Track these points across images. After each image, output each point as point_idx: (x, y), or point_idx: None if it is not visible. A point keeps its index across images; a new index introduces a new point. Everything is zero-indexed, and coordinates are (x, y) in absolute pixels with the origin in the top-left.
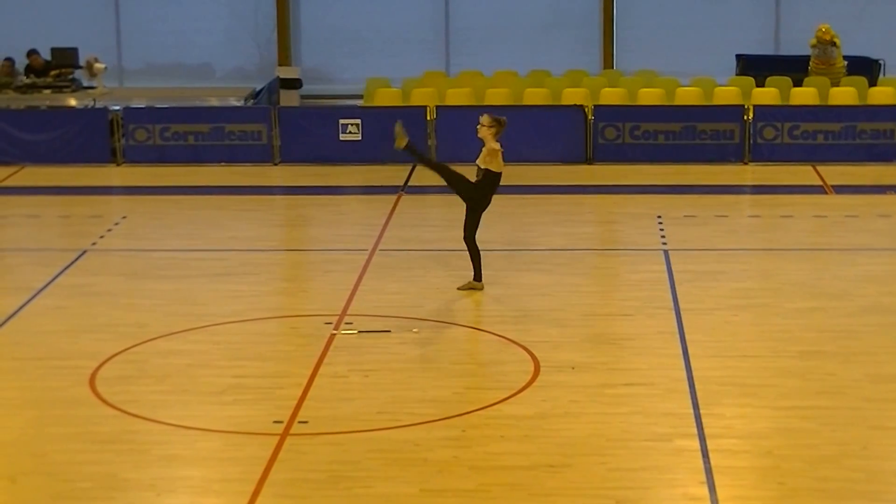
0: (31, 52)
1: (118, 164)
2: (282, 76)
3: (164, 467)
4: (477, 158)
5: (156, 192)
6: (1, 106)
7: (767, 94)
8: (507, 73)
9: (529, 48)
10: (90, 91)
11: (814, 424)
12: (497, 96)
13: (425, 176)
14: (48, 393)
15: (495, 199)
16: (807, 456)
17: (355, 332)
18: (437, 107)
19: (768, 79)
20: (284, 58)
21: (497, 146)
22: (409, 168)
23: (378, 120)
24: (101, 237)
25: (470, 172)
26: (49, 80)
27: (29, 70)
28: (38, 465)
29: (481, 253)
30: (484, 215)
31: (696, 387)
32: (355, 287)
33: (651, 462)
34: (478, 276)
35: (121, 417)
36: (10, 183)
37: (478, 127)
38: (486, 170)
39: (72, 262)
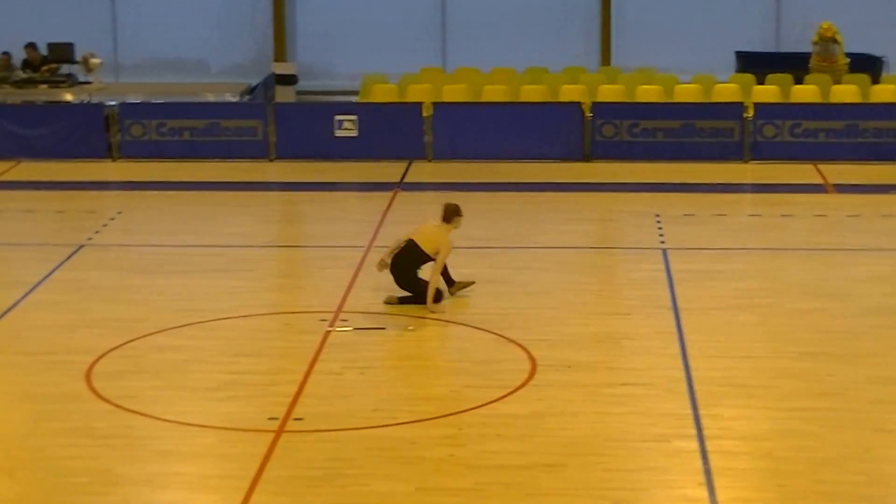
0: (29, 46)
1: (114, 160)
2: (277, 72)
3: (159, 463)
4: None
5: (152, 188)
6: None
7: (768, 92)
8: (504, 70)
9: (527, 44)
10: (86, 86)
11: (815, 426)
12: (494, 93)
13: (422, 172)
14: (44, 388)
15: (494, 195)
16: (807, 458)
17: (350, 328)
18: (434, 103)
19: (769, 76)
20: (280, 53)
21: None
22: (406, 165)
23: (374, 116)
24: (97, 232)
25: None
26: (45, 74)
27: (26, 64)
28: (34, 460)
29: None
30: (482, 212)
31: (695, 387)
32: (351, 284)
33: (649, 463)
34: (450, 283)
35: (117, 413)
36: (6, 178)
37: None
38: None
39: (68, 257)
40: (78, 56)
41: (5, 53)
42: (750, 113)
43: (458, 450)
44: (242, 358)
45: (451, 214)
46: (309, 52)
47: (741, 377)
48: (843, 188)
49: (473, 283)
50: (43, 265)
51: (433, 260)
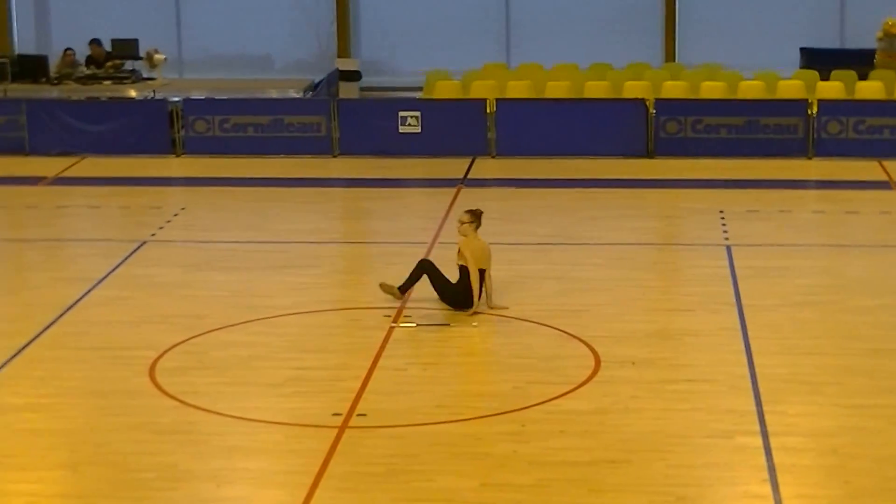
0: (93, 42)
1: (178, 156)
2: (341, 68)
3: (224, 458)
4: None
5: (215, 184)
6: (62, 97)
7: (832, 88)
8: (567, 66)
9: (591, 41)
10: (150, 82)
11: (880, 423)
12: (558, 89)
13: (485, 169)
14: (109, 383)
15: (557, 192)
16: (873, 455)
17: (414, 325)
18: (498, 100)
19: (833, 72)
20: (344, 49)
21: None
22: (469, 161)
23: (438, 112)
24: (161, 228)
25: (529, 165)
26: (109, 70)
27: (90, 60)
28: (99, 455)
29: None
30: (545, 208)
31: (760, 384)
32: None
33: (712, 459)
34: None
35: (181, 408)
36: (70, 173)
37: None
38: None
39: (131, 253)
40: (142, 52)
41: (69, 50)
42: (814, 109)
43: (521, 446)
44: (306, 354)
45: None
46: (373, 48)
47: (805, 374)
48: None
49: (401, 297)
50: (107, 261)
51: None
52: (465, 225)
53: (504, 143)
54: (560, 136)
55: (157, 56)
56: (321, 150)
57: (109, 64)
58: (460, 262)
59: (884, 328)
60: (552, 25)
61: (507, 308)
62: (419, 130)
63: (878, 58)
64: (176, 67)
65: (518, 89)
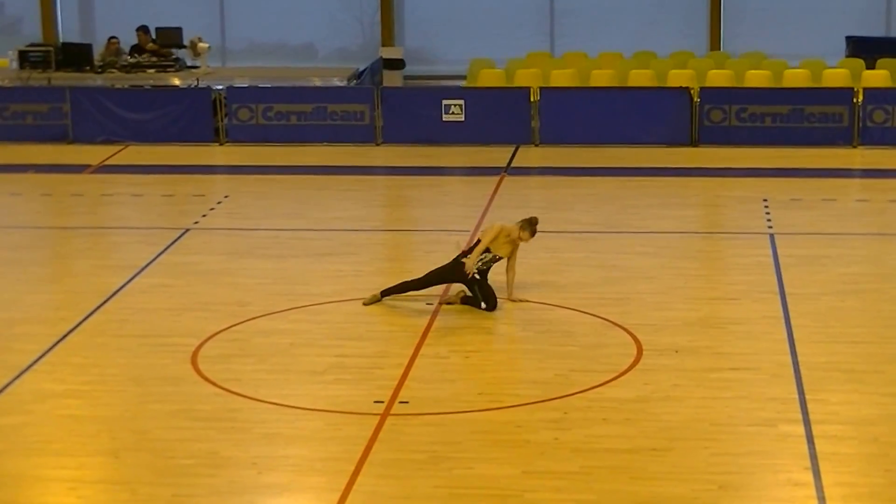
0: (140, 29)
1: (221, 144)
2: (385, 56)
3: (265, 446)
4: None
5: (258, 172)
6: (106, 85)
7: (878, 77)
8: (612, 55)
9: (635, 29)
10: (194, 70)
11: None
12: (602, 78)
13: (528, 158)
14: (151, 370)
15: (600, 180)
16: None
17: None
18: (541, 88)
19: (879, 61)
20: (388, 38)
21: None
22: (512, 149)
23: (481, 101)
24: (204, 216)
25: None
26: (151, 59)
27: (135, 48)
28: (140, 442)
29: None
30: (588, 196)
31: (802, 372)
32: None
33: (755, 447)
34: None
35: (222, 395)
36: (114, 161)
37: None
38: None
39: (175, 241)
40: (186, 40)
41: (114, 38)
42: (860, 98)
43: (563, 433)
44: (348, 341)
45: (526, 224)
46: (416, 36)
47: (848, 362)
48: None
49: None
50: (150, 248)
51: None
52: (524, 233)
53: (547, 131)
54: (604, 125)
55: (200, 44)
56: (364, 139)
57: (150, 47)
58: (480, 237)
59: None
60: (596, 14)
61: (528, 301)
62: (462, 119)
63: None
64: (219, 56)
65: (562, 78)
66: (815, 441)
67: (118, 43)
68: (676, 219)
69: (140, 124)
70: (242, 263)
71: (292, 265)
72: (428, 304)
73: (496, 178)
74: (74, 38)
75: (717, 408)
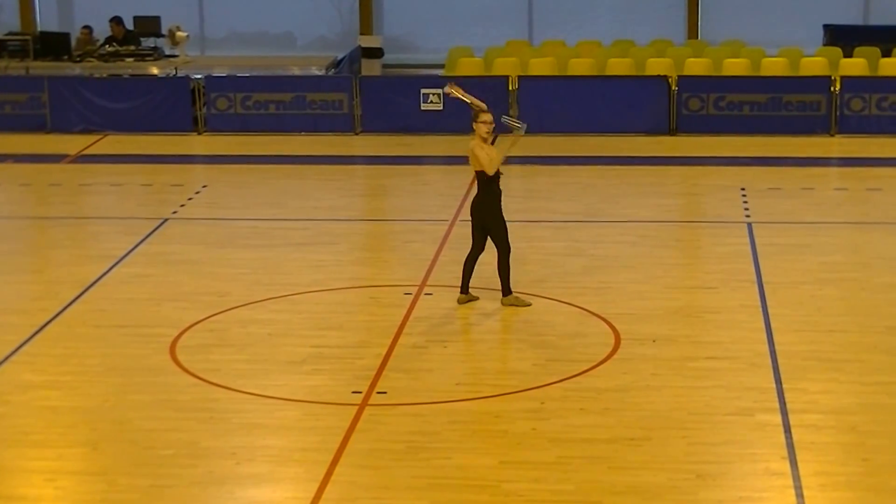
0: (114, 20)
1: (200, 133)
2: (364, 45)
3: (244, 436)
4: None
5: (237, 161)
6: (84, 74)
7: (855, 65)
8: (590, 43)
9: (613, 18)
10: (172, 59)
11: None
12: (580, 66)
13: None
14: (130, 361)
15: (579, 169)
16: (893, 432)
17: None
18: (520, 77)
19: (856, 49)
20: (366, 27)
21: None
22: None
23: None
24: (183, 206)
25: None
26: (130, 47)
27: (109, 39)
28: (119, 432)
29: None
30: (567, 185)
31: (780, 361)
32: (435, 257)
33: (732, 436)
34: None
35: (201, 386)
36: (92, 151)
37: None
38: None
39: (153, 231)
40: (164, 29)
41: (86, 27)
42: (837, 86)
43: (541, 423)
44: (327, 331)
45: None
46: (395, 25)
47: (826, 351)
48: None
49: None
50: (129, 238)
51: (488, 177)
52: (487, 126)
53: (526, 120)
54: (582, 114)
55: (179, 33)
56: (343, 128)
57: (122, 40)
58: (476, 168)
59: None
60: (575, 2)
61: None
62: (441, 108)
63: None
64: (198, 45)
65: (540, 66)
66: (793, 430)
67: (91, 32)
68: (655, 207)
69: (118, 113)
70: (221, 253)
71: (271, 255)
72: (406, 294)
73: None
74: (53, 28)
75: (694, 397)
